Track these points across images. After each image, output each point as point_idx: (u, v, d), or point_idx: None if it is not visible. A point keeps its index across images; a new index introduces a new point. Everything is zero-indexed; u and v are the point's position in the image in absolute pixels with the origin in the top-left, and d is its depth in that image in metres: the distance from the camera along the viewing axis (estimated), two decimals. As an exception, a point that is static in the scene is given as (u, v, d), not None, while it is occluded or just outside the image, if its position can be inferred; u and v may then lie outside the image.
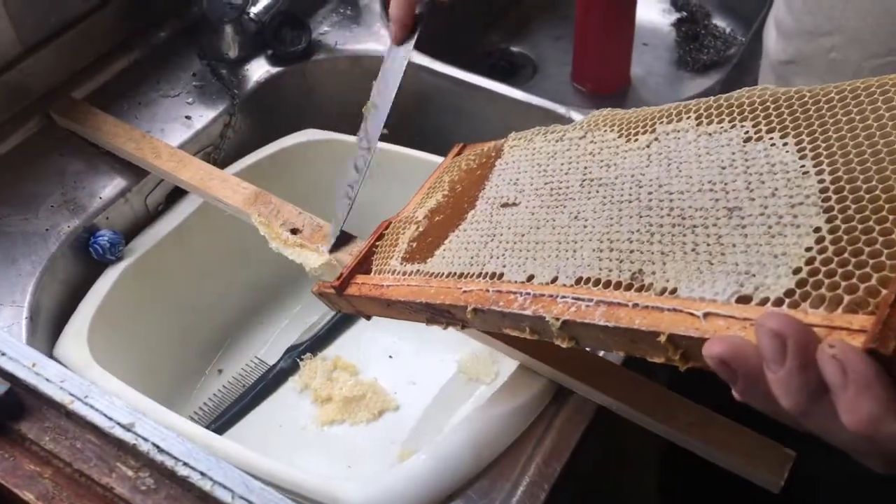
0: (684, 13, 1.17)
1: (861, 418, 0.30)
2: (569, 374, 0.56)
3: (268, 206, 0.66)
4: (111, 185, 0.73)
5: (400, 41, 0.64)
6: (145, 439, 0.47)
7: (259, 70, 0.85)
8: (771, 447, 0.50)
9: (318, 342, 0.80)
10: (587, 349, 0.54)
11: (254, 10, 0.85)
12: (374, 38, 0.89)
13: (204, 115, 0.79)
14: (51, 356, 0.62)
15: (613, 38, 1.06)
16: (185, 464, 0.46)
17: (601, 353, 0.57)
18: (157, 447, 0.46)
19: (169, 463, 0.46)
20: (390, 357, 0.79)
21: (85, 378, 0.53)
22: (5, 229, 0.69)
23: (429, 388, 0.75)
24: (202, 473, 0.45)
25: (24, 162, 0.74)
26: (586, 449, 0.57)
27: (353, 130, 0.81)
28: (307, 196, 0.78)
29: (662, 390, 0.54)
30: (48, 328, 0.66)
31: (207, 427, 0.74)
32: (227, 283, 0.81)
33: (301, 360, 0.78)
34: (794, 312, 0.33)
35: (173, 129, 0.78)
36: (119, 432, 0.47)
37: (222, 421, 0.74)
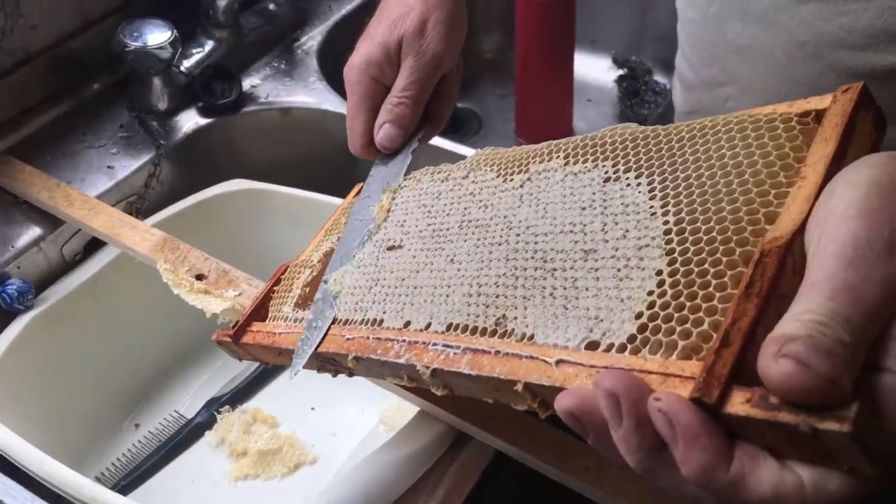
0: (626, 70, 1.19)
1: (693, 470, 0.29)
2: (467, 419, 0.55)
3: (175, 252, 0.65)
4: (25, 235, 0.72)
5: (361, 154, 0.59)
6: None
7: (189, 121, 0.85)
8: (665, 496, 0.49)
9: (240, 394, 0.79)
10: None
11: (185, 64, 0.86)
12: (306, 92, 0.90)
13: (127, 165, 0.79)
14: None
15: (552, 92, 1.07)
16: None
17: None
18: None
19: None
20: (312, 409, 0.78)
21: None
22: (-89, 278, 0.68)
23: (349, 440, 0.74)
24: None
25: (-61, 212, 0.73)
26: (488, 494, 0.55)
27: (282, 181, 0.82)
28: (232, 245, 0.78)
29: (561, 435, 0.53)
30: (-53, 379, 0.65)
31: (116, 484, 0.72)
32: (147, 334, 0.80)
33: (219, 413, 0.77)
34: (634, 359, 0.33)
35: (95, 179, 0.78)
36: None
37: (132, 478, 0.72)
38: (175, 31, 0.81)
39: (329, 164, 0.89)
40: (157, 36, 0.80)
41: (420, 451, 0.56)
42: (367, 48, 0.57)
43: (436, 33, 0.56)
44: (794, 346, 0.27)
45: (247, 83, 0.90)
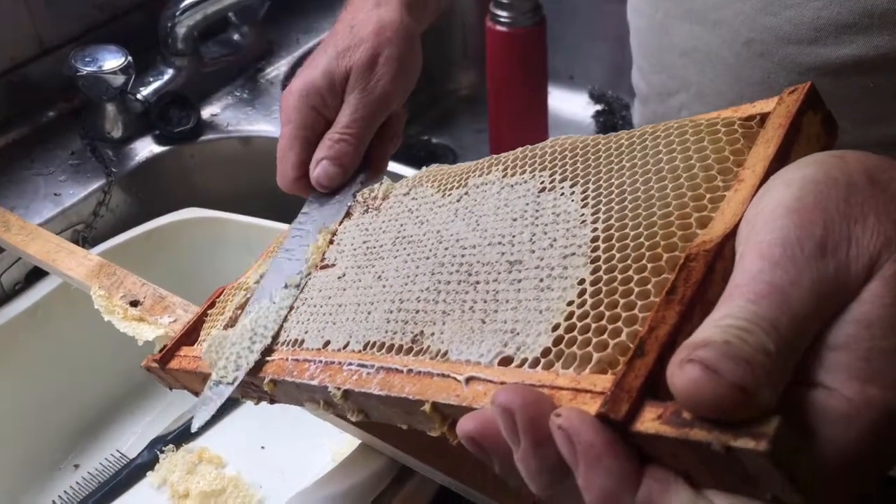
0: (603, 105, 1.18)
1: (595, 497, 0.25)
2: (410, 451, 0.51)
3: (111, 279, 0.62)
4: (-39, 262, 0.69)
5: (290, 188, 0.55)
6: None
7: (144, 149, 0.83)
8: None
9: (186, 433, 0.75)
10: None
11: (143, 91, 0.84)
12: (267, 120, 0.88)
13: (75, 193, 0.77)
14: None
15: (526, 125, 1.05)
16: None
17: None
18: None
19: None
20: (262, 447, 0.74)
21: None
22: None
23: (298, 479, 0.70)
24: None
25: None
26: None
27: (240, 210, 0.79)
28: (183, 275, 0.75)
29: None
30: None
31: (45, 530, 0.68)
32: (91, 369, 0.76)
33: (162, 452, 0.73)
34: (546, 375, 0.29)
35: (40, 206, 0.75)
36: None
37: (65, 522, 0.68)
38: (129, 56, 0.79)
39: (288, 194, 0.86)
40: (110, 62, 0.78)
41: (358, 485, 0.52)
42: (310, 75, 0.54)
43: (386, 70, 0.53)
44: (703, 352, 0.23)
45: (207, 112, 0.87)
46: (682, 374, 0.23)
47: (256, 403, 0.47)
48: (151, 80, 0.85)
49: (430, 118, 1.22)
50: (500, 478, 0.49)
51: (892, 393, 0.24)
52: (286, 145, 0.54)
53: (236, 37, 0.94)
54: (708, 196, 0.31)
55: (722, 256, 0.28)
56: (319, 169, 0.53)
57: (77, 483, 0.72)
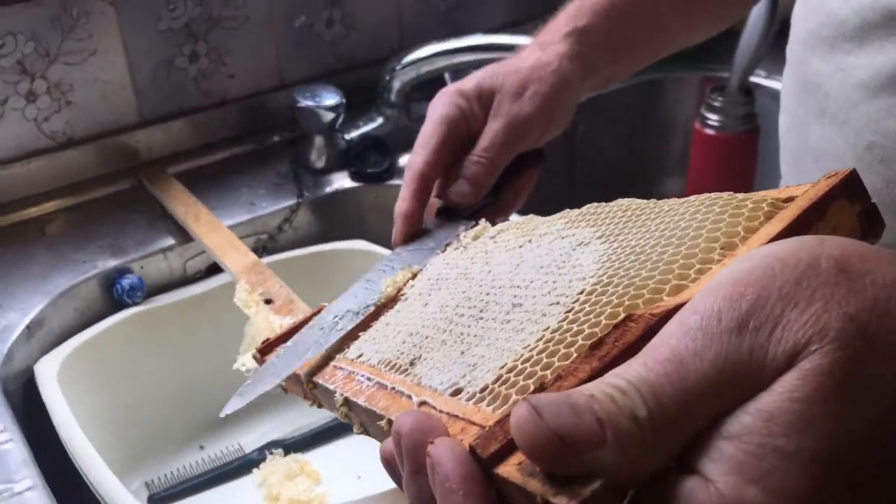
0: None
1: None
2: None
3: (258, 276, 0.69)
4: (158, 241, 0.80)
5: (399, 241, 0.55)
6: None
7: (337, 182, 0.91)
8: None
9: (300, 444, 0.79)
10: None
11: (351, 133, 0.93)
12: (454, 178, 0.92)
13: (267, 206, 0.86)
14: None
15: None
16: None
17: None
18: None
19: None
20: (358, 477, 0.76)
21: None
22: (56, 251, 0.78)
23: (378, 518, 0.71)
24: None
25: (103, 209, 0.84)
26: None
27: (401, 252, 0.84)
28: (334, 295, 0.81)
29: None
30: (43, 343, 0.72)
31: (152, 496, 0.74)
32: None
33: (272, 454, 0.77)
34: (469, 408, 0.29)
35: (235, 210, 0.85)
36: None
37: (171, 493, 0.75)
38: (343, 99, 0.88)
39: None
40: (325, 100, 0.88)
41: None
42: (462, 83, 0.57)
43: (530, 102, 0.55)
44: (543, 396, 0.22)
45: (403, 160, 0.94)
46: (514, 410, 0.22)
47: (311, 405, 0.50)
48: (361, 124, 0.94)
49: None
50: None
51: (773, 500, 0.20)
52: (429, 131, 0.56)
53: (450, 100, 1.00)
54: (697, 266, 0.29)
55: None
56: (455, 186, 0.56)
57: (196, 462, 0.78)
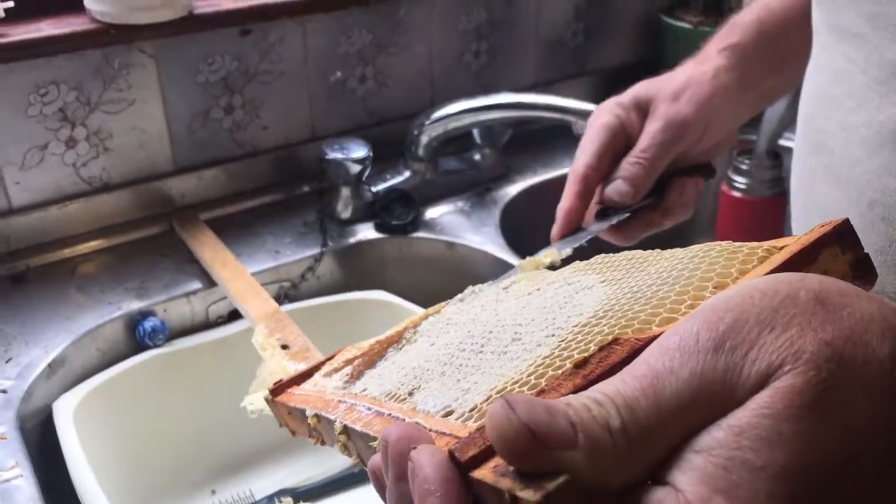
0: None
1: None
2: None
3: (277, 323, 0.70)
4: (183, 285, 0.81)
5: (557, 236, 0.58)
6: None
7: (361, 232, 0.92)
8: None
9: (311, 493, 0.79)
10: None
11: (378, 185, 0.94)
12: (479, 233, 0.93)
13: (291, 255, 0.87)
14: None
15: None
16: None
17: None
18: None
19: None
20: (368, 530, 0.75)
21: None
22: (85, 291, 0.80)
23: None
24: None
25: (134, 252, 0.86)
26: None
27: (420, 304, 0.84)
28: (351, 343, 0.81)
29: None
30: (64, 382, 0.73)
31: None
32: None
33: (280, 501, 0.77)
34: (456, 425, 0.30)
35: (261, 258, 0.86)
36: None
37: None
38: (370, 152, 0.90)
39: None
40: (353, 152, 0.89)
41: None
42: (619, 96, 0.59)
43: (686, 104, 0.57)
44: (518, 395, 0.22)
45: (428, 213, 0.95)
46: (490, 407, 0.23)
47: (314, 442, 0.49)
48: (388, 177, 0.95)
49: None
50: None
51: None
52: (590, 139, 0.58)
53: (477, 156, 1.02)
54: (689, 302, 0.29)
55: None
56: (613, 185, 0.57)
57: (206, 505, 0.78)
